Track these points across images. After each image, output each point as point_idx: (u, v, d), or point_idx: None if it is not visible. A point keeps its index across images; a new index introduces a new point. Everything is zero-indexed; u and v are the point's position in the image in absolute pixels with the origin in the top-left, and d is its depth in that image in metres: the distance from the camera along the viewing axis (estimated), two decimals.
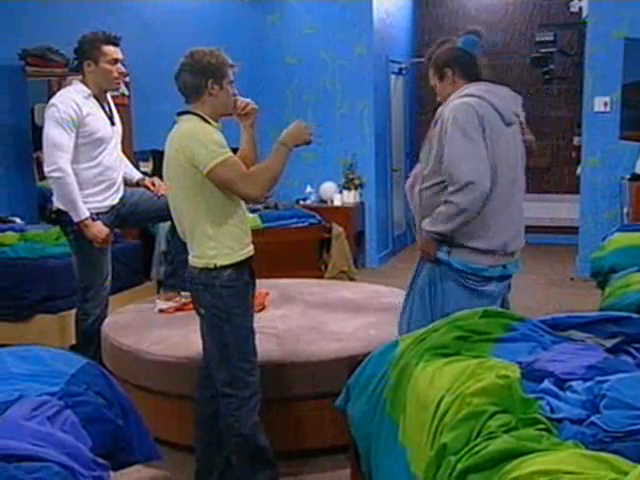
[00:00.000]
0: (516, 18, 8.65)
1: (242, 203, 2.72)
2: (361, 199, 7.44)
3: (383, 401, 2.28)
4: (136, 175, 4.00)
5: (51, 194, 3.69)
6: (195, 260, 2.66)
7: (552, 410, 1.84)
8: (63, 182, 3.50)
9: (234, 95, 2.71)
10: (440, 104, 2.90)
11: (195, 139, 2.54)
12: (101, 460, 2.04)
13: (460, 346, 2.29)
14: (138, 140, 5.85)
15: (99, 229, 3.58)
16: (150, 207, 3.80)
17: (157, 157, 5.61)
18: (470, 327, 2.38)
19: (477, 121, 2.70)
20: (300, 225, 6.49)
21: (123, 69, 3.68)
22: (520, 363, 2.11)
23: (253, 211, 6.23)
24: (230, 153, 2.57)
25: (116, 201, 3.76)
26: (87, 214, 3.55)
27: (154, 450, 2.45)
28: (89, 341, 3.75)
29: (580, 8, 7.57)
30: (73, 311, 3.97)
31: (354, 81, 7.42)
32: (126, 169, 3.94)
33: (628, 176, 6.00)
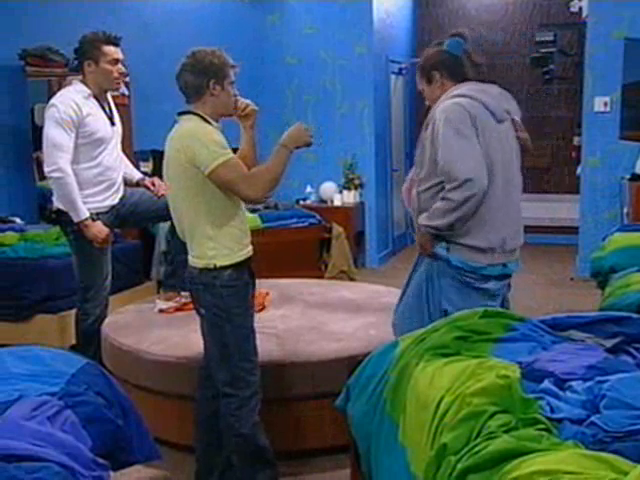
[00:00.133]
0: (516, 18, 8.65)
1: (242, 204, 2.72)
2: (361, 199, 7.44)
3: (383, 401, 2.28)
4: (136, 175, 4.00)
5: (51, 194, 3.69)
6: (195, 260, 2.66)
7: (552, 410, 1.84)
8: (63, 182, 3.50)
9: (235, 96, 2.71)
10: (430, 108, 2.90)
11: (196, 139, 2.54)
12: (101, 460, 2.04)
13: (460, 346, 2.29)
14: (138, 140, 5.85)
15: (99, 229, 3.58)
16: (150, 207, 3.80)
17: (157, 157, 5.61)
18: (470, 327, 2.38)
19: (469, 120, 2.71)
20: (300, 225, 6.49)
21: (123, 69, 3.68)
22: (520, 363, 2.11)
23: (253, 211, 6.23)
24: (232, 154, 2.57)
25: (116, 201, 3.76)
26: (87, 214, 3.55)
27: (154, 450, 2.45)
28: (89, 341, 3.75)
29: (580, 8, 7.57)
30: (73, 311, 3.97)
31: (354, 81, 7.42)
32: (126, 169, 3.94)
33: (628, 176, 6.00)
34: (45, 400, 2.14)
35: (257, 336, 2.76)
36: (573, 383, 1.95)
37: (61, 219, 3.67)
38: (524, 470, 1.57)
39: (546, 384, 1.96)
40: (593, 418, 1.76)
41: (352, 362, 2.70)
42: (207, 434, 2.87)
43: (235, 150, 2.80)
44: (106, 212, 3.70)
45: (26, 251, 4.61)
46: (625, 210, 6.00)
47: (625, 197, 6.03)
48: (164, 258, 4.24)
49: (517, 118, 3.54)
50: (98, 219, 3.62)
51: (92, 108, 3.61)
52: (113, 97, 3.93)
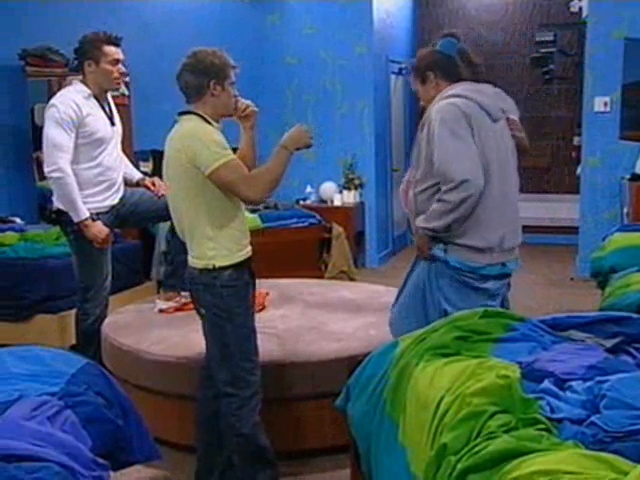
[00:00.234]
0: (516, 18, 8.65)
1: (242, 204, 2.72)
2: (361, 199, 7.44)
3: (383, 401, 2.28)
4: (136, 175, 4.00)
5: (51, 194, 3.69)
6: (195, 261, 2.66)
7: (552, 410, 1.84)
8: (63, 182, 3.50)
9: (235, 96, 2.71)
10: (425, 109, 2.90)
11: (197, 139, 2.54)
12: (101, 460, 2.04)
13: (460, 346, 2.29)
14: (138, 140, 5.85)
15: (99, 229, 3.58)
16: (150, 207, 3.80)
17: (157, 157, 5.61)
18: (470, 327, 2.38)
19: (464, 121, 2.70)
20: (300, 225, 6.49)
21: (124, 69, 3.68)
22: (520, 363, 2.11)
23: (253, 211, 6.23)
24: (232, 155, 2.57)
25: (116, 201, 3.76)
26: (87, 214, 3.55)
27: (154, 450, 2.46)
28: (89, 341, 3.75)
29: (580, 8, 7.57)
30: (73, 311, 3.97)
31: (354, 81, 7.42)
32: (126, 169, 3.94)
33: (628, 176, 6.00)
34: (45, 400, 2.14)
35: (257, 336, 2.76)
36: (573, 383, 1.95)
37: (61, 219, 3.67)
38: (524, 470, 1.57)
39: (546, 384, 1.96)
40: (593, 418, 1.76)
41: (352, 362, 2.70)
42: (208, 434, 2.87)
43: (234, 150, 2.80)
44: (106, 212, 3.70)
45: (26, 251, 4.61)
46: (625, 210, 6.00)
47: (625, 197, 6.03)
48: (164, 258, 4.24)
49: (515, 117, 3.54)
50: (98, 219, 3.62)
51: (92, 108, 3.61)
52: (113, 97, 3.93)
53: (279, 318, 3.71)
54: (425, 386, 2.11)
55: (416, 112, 8.76)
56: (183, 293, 3.80)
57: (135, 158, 5.55)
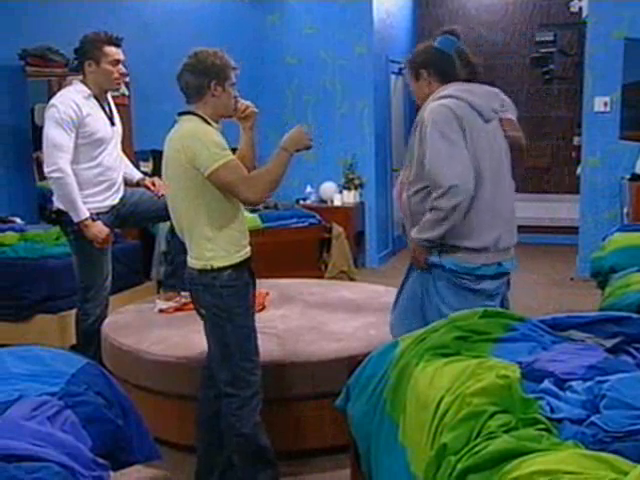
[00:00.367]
0: (516, 18, 8.65)
1: (241, 205, 2.71)
2: (361, 199, 7.44)
3: (383, 401, 2.28)
4: (136, 175, 4.00)
5: (51, 194, 3.69)
6: (193, 261, 2.66)
7: (552, 410, 1.84)
8: (63, 182, 3.50)
9: (235, 97, 2.71)
10: (420, 107, 2.89)
11: (197, 140, 2.54)
12: (101, 460, 2.04)
13: (460, 346, 2.29)
14: (138, 140, 5.85)
15: (99, 229, 3.59)
16: (150, 207, 3.80)
17: (157, 157, 5.61)
18: (470, 327, 2.38)
19: (456, 123, 2.68)
20: (300, 225, 6.49)
21: (124, 70, 3.68)
22: (520, 363, 2.11)
23: (253, 211, 6.23)
24: (232, 156, 2.57)
25: (116, 201, 3.76)
26: (87, 214, 3.55)
27: (154, 450, 2.45)
28: (89, 341, 3.75)
29: (580, 8, 7.58)
30: (73, 311, 3.97)
31: (354, 81, 7.41)
32: (126, 169, 3.94)
33: (628, 176, 6.00)
34: (45, 400, 2.13)
35: (257, 336, 2.76)
36: (573, 383, 1.95)
37: (61, 219, 3.67)
38: (524, 470, 1.57)
39: (546, 384, 1.96)
40: (593, 418, 1.76)
41: (352, 362, 2.70)
42: (208, 434, 2.87)
43: (234, 150, 2.80)
44: (106, 212, 3.70)
45: (26, 251, 4.61)
46: (625, 210, 6.00)
47: (625, 197, 6.03)
48: (164, 258, 4.23)
49: (512, 116, 3.53)
50: (98, 219, 3.62)
51: (92, 108, 3.61)
52: (113, 97, 3.93)
53: (279, 318, 3.70)
54: (425, 386, 2.11)
55: (416, 112, 8.77)
56: (183, 293, 3.80)
57: (135, 158, 5.55)
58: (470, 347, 2.29)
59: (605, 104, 6.46)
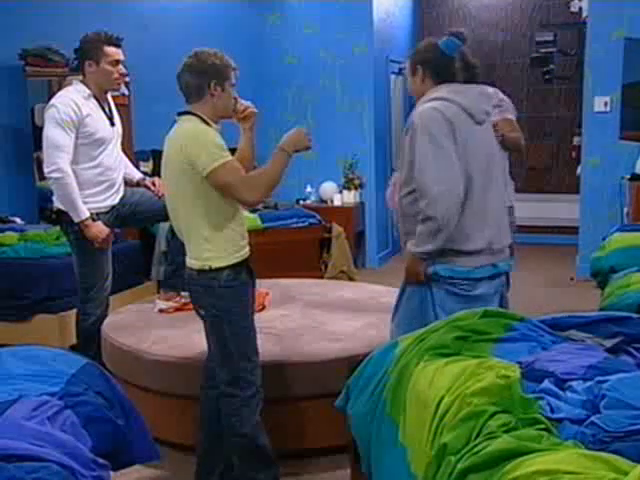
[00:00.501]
0: (516, 18, 8.65)
1: (240, 206, 2.71)
2: (361, 199, 7.44)
3: (383, 401, 2.28)
4: (136, 175, 4.00)
5: (51, 194, 3.69)
6: (192, 262, 2.66)
7: (552, 410, 1.84)
8: (63, 183, 3.50)
9: (234, 98, 2.71)
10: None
11: (195, 140, 2.54)
12: (101, 460, 2.04)
13: (460, 346, 2.29)
14: (138, 140, 5.85)
15: (99, 229, 3.59)
16: (150, 207, 3.80)
17: (157, 157, 5.62)
18: (470, 327, 2.38)
19: (446, 127, 2.66)
20: (300, 225, 6.49)
21: (124, 70, 3.68)
22: (520, 363, 2.11)
23: (253, 211, 6.23)
24: (230, 156, 2.56)
25: (116, 201, 3.76)
26: (87, 214, 3.56)
27: (154, 450, 2.45)
28: (89, 341, 3.75)
29: (580, 8, 7.57)
30: (73, 311, 3.97)
31: (354, 81, 7.42)
32: (126, 169, 3.94)
33: (628, 176, 6.00)
34: (45, 400, 2.13)
35: (258, 336, 2.76)
36: (573, 383, 1.95)
37: (61, 219, 3.67)
38: (524, 470, 1.57)
39: (546, 384, 1.96)
40: (593, 418, 1.76)
41: (352, 362, 2.70)
42: (209, 434, 2.87)
43: (234, 150, 2.80)
44: (106, 212, 3.70)
45: (26, 251, 4.61)
46: (625, 210, 6.00)
47: (625, 197, 6.03)
48: (164, 258, 4.24)
49: (512, 117, 3.53)
50: (98, 219, 3.62)
51: (92, 108, 3.61)
52: (113, 97, 3.93)
53: (279, 318, 3.71)
54: (425, 386, 2.11)
55: None
56: (183, 293, 3.80)
57: (135, 158, 5.56)
58: (470, 347, 2.29)
59: (605, 104, 6.46)
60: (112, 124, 3.73)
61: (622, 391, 1.83)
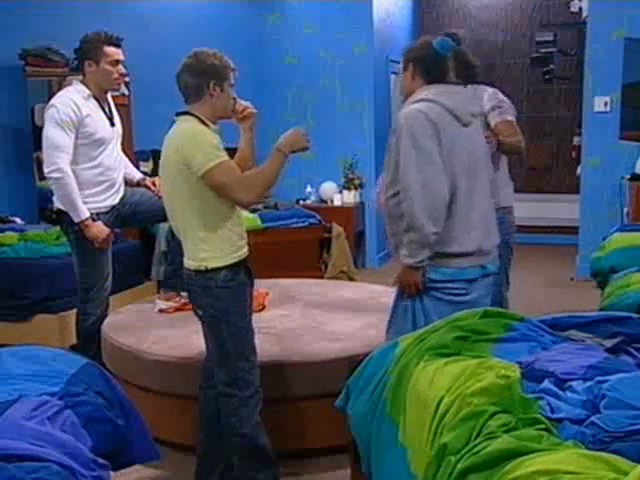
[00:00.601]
0: (516, 18, 8.65)
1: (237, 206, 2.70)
2: (361, 199, 7.44)
3: (383, 401, 2.28)
4: (137, 175, 4.00)
5: (51, 194, 3.69)
6: (189, 262, 2.66)
7: (552, 410, 1.84)
8: (63, 183, 3.50)
9: (233, 98, 2.71)
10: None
11: (191, 140, 2.54)
12: (101, 460, 2.04)
13: (460, 346, 2.29)
14: (138, 140, 5.85)
15: (100, 229, 3.59)
16: (151, 207, 3.80)
17: (157, 157, 5.55)
18: (470, 327, 2.38)
19: (429, 128, 2.65)
20: (300, 225, 6.49)
21: (124, 70, 3.68)
22: (520, 363, 2.11)
23: (253, 211, 6.23)
24: (226, 157, 2.56)
25: (117, 201, 3.76)
26: (87, 214, 3.56)
27: (154, 450, 2.45)
28: (89, 341, 3.75)
29: (580, 8, 7.57)
30: (73, 311, 3.97)
31: (354, 81, 7.42)
32: (126, 169, 3.94)
33: (628, 176, 6.00)
34: (45, 400, 2.13)
35: (257, 336, 2.76)
36: (573, 383, 1.95)
37: (62, 219, 3.67)
38: (524, 470, 1.57)
39: (546, 384, 1.96)
40: (593, 418, 1.76)
41: (352, 362, 2.70)
42: (208, 434, 2.87)
43: (234, 150, 2.80)
44: (107, 212, 3.70)
45: (26, 251, 4.61)
46: (625, 210, 6.00)
47: (625, 197, 6.03)
48: (164, 258, 4.23)
49: (512, 118, 3.53)
50: (98, 219, 3.62)
51: (92, 109, 3.61)
52: (113, 97, 3.93)
53: (279, 318, 3.71)
54: (425, 386, 2.11)
55: None
56: (183, 293, 3.80)
57: (135, 158, 5.56)
58: (470, 347, 2.29)
59: (605, 104, 6.46)
60: (112, 124, 3.73)
61: (622, 391, 1.83)
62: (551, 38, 8.32)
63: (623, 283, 3.51)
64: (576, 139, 7.98)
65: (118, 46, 3.64)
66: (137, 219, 3.96)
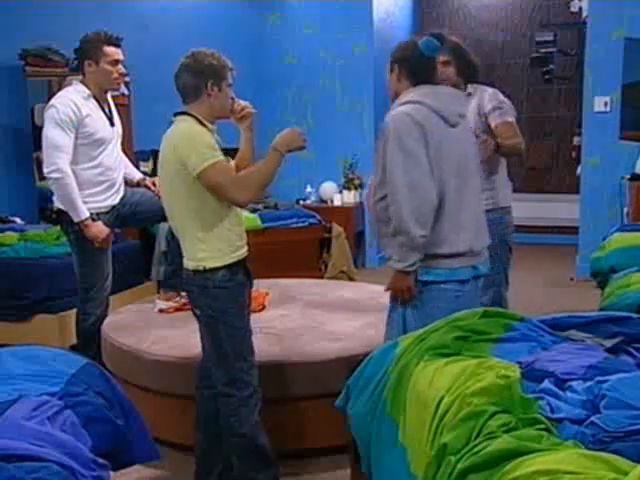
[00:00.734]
0: (516, 18, 8.65)
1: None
2: (361, 199, 7.43)
3: (383, 401, 2.28)
4: (137, 175, 4.00)
5: (51, 194, 3.69)
6: (188, 262, 2.66)
7: (552, 410, 1.84)
8: (62, 183, 3.50)
9: (232, 98, 2.71)
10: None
11: (188, 140, 2.54)
12: (101, 460, 2.04)
13: (460, 346, 2.29)
14: (138, 140, 5.85)
15: (99, 229, 3.59)
16: (151, 207, 3.80)
17: (157, 157, 5.58)
18: (470, 327, 2.38)
19: (416, 131, 2.63)
20: (300, 225, 6.49)
21: (123, 70, 3.68)
22: (520, 363, 2.11)
23: (253, 211, 6.23)
24: (221, 157, 2.56)
25: (117, 201, 3.76)
26: (87, 214, 3.56)
27: (154, 450, 2.45)
28: (89, 341, 3.75)
29: (580, 8, 7.57)
30: (73, 311, 3.97)
31: (354, 81, 7.41)
32: (126, 169, 3.94)
33: (628, 176, 6.00)
34: (45, 400, 2.13)
35: (257, 336, 2.76)
36: (573, 383, 1.95)
37: (62, 219, 3.67)
38: (524, 470, 1.57)
39: (546, 384, 1.96)
40: (593, 418, 1.76)
41: (352, 362, 2.70)
42: (206, 434, 2.87)
43: (235, 150, 2.80)
44: (107, 212, 3.70)
45: (26, 251, 4.61)
46: (625, 210, 6.00)
47: (625, 197, 6.03)
48: (164, 258, 4.23)
49: (511, 119, 3.52)
50: (99, 219, 3.62)
51: (91, 109, 3.61)
52: (113, 97, 3.94)
53: (279, 318, 3.71)
54: (425, 386, 2.11)
55: None
56: (183, 293, 3.80)
57: (135, 158, 5.56)
58: (470, 347, 2.29)
59: (605, 104, 6.45)
60: (112, 124, 3.73)
61: (622, 391, 1.83)
62: (551, 38, 8.33)
63: (623, 283, 3.51)
64: (576, 139, 7.98)
65: (118, 46, 3.65)
66: (137, 219, 3.96)
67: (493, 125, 3.45)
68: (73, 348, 3.98)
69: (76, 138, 3.54)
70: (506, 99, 3.56)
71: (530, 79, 8.62)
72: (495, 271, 3.30)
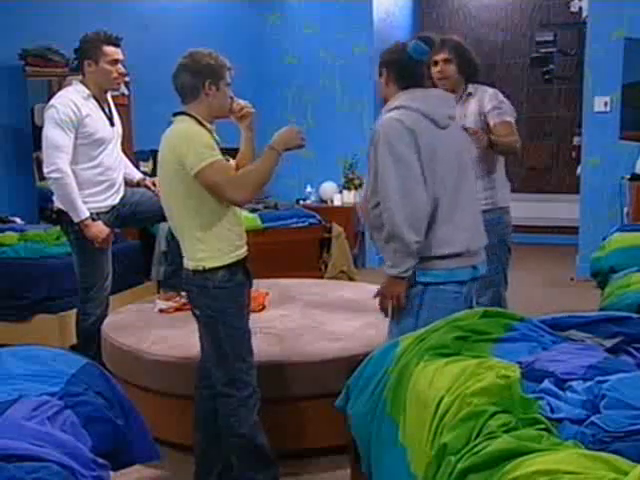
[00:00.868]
0: (516, 18, 8.65)
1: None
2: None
3: (383, 401, 2.28)
4: (137, 175, 4.00)
5: (51, 194, 3.70)
6: (187, 262, 2.66)
7: (552, 410, 1.84)
8: (62, 183, 3.50)
9: (230, 97, 2.71)
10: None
11: (186, 140, 2.54)
12: (101, 460, 2.04)
13: (460, 346, 2.29)
14: (138, 140, 5.86)
15: (99, 229, 3.59)
16: (151, 207, 3.80)
17: (157, 157, 5.60)
18: (470, 327, 2.38)
19: (407, 136, 2.62)
20: (300, 225, 6.49)
21: (123, 70, 3.69)
22: (520, 363, 2.11)
23: (253, 211, 6.24)
24: (220, 156, 2.56)
25: (117, 201, 3.76)
26: (87, 214, 3.56)
27: (154, 450, 2.45)
28: (89, 341, 3.75)
29: (580, 8, 7.58)
30: (73, 311, 3.97)
31: (354, 81, 7.42)
32: (126, 169, 3.94)
33: (628, 176, 6.00)
34: (45, 400, 2.13)
35: (257, 336, 2.76)
36: (573, 383, 1.95)
37: (62, 219, 3.67)
38: (524, 470, 1.57)
39: (546, 384, 1.96)
40: (593, 418, 1.76)
41: (352, 362, 2.69)
42: (205, 434, 2.87)
43: (235, 150, 2.80)
44: (107, 212, 3.70)
45: (26, 251, 4.61)
46: (625, 210, 6.00)
47: (625, 197, 6.03)
48: (164, 258, 4.23)
49: (510, 119, 3.53)
50: (99, 219, 3.62)
51: (91, 109, 3.61)
52: (113, 97, 3.94)
53: (279, 318, 3.70)
54: (425, 386, 2.11)
55: None
56: (183, 293, 3.80)
57: (135, 158, 5.56)
58: (470, 347, 2.29)
59: (605, 104, 6.45)
60: (112, 124, 3.74)
61: (622, 391, 1.83)
62: (551, 38, 8.33)
63: (623, 283, 3.52)
64: (576, 139, 7.98)
65: (117, 45, 3.65)
66: (137, 219, 3.96)
67: (492, 124, 3.46)
68: (73, 348, 3.98)
69: (76, 138, 3.54)
70: (506, 100, 3.57)
71: (530, 79, 8.62)
72: (494, 271, 3.31)
